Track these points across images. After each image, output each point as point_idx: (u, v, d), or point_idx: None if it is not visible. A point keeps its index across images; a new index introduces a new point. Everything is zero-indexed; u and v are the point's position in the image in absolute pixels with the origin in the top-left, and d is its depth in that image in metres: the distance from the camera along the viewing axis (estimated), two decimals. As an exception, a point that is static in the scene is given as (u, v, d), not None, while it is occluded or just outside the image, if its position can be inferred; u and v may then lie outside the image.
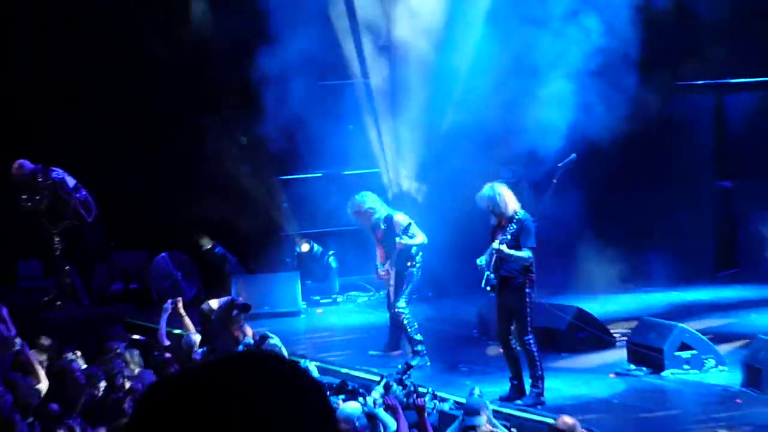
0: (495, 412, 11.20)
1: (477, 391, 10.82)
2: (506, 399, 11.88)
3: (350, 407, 10.37)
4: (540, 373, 11.88)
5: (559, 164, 13.56)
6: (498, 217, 11.77)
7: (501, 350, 12.31)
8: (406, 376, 11.79)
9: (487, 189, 11.87)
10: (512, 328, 11.93)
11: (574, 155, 13.75)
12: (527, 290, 11.73)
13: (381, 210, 13.93)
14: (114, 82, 18.92)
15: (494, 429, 10.24)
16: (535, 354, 11.82)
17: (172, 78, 18.05)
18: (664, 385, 12.51)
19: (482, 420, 10.20)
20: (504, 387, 12.14)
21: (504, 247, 11.60)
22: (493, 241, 11.77)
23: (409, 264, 13.72)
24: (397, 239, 13.58)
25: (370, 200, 14.02)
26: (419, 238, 13.70)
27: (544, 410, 11.47)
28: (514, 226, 11.65)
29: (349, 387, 12.14)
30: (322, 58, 17.22)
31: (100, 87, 19.00)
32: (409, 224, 13.63)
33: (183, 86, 17.96)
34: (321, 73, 17.54)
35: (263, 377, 2.10)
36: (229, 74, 17.33)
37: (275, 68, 16.60)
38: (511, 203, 11.73)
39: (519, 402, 11.75)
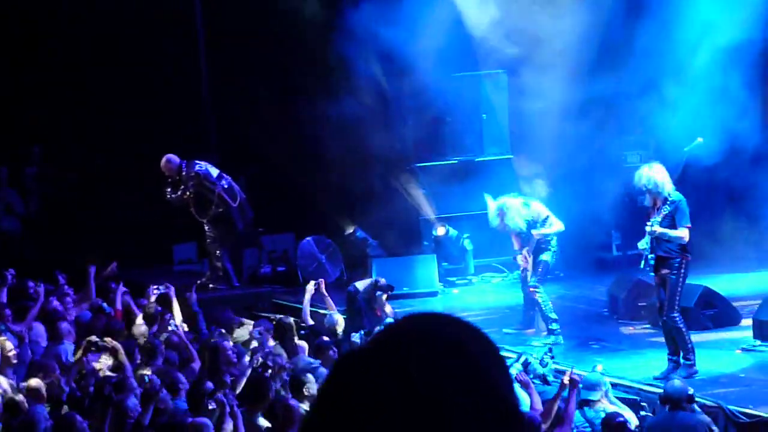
0: (623, 385, 11.51)
1: (599, 368, 11.02)
2: (663, 375, 11.74)
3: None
4: (690, 345, 11.84)
5: (686, 149, 13.47)
6: (653, 196, 11.66)
7: (660, 325, 12.26)
8: (549, 356, 11.99)
9: (645, 168, 11.77)
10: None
11: (700, 139, 13.55)
12: (683, 270, 11.69)
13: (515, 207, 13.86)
14: (257, 75, 19.51)
15: (611, 404, 10.47)
16: (683, 328, 11.82)
17: (315, 69, 18.32)
18: (788, 360, 12.56)
19: (598, 395, 10.44)
20: (633, 363, 12.37)
21: (659, 228, 11.56)
22: (648, 222, 11.71)
23: (544, 247, 13.84)
24: (534, 230, 13.69)
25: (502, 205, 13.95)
26: (556, 226, 13.77)
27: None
28: (668, 208, 11.56)
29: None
30: (457, 49, 17.52)
31: (238, 79, 19.67)
32: (548, 216, 13.72)
33: (324, 77, 18.19)
34: (456, 64, 17.67)
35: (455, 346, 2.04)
36: (368, 67, 17.57)
37: (415, 61, 16.95)
38: (667, 184, 11.64)
39: (673, 376, 11.49)
